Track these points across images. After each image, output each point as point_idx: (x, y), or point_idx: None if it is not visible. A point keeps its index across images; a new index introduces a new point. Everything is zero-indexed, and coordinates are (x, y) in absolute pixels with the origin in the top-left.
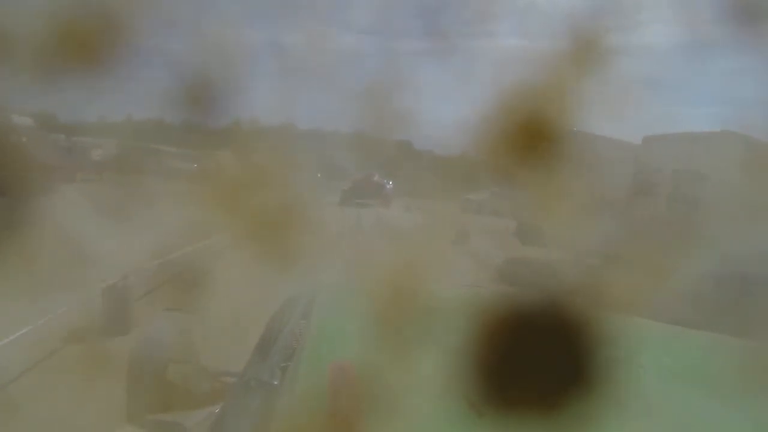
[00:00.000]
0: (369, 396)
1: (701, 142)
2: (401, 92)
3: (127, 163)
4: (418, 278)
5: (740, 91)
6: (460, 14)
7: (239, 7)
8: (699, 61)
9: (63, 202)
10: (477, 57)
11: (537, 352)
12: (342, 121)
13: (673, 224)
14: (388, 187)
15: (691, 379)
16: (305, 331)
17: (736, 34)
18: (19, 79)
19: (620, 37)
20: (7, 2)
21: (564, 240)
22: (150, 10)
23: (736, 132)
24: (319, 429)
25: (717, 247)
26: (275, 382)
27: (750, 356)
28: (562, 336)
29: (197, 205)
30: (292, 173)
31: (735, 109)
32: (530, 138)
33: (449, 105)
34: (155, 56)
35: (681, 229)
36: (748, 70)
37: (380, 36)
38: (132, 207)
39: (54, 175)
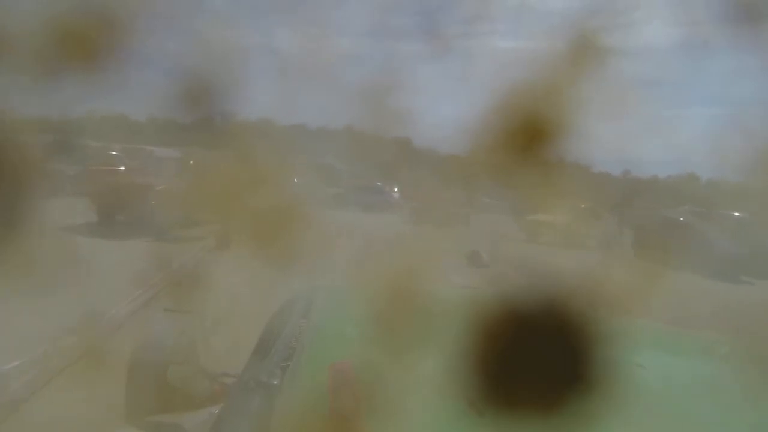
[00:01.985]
0: (369, 396)
1: None
2: (399, 92)
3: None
4: (417, 279)
5: (740, 91)
6: (457, 14)
7: (237, 8)
8: (698, 60)
9: (59, 204)
10: (474, 57)
11: (537, 352)
12: (339, 122)
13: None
14: (393, 194)
15: (690, 380)
16: (305, 332)
17: (736, 33)
18: (14, 78)
19: (618, 37)
20: (4, 1)
21: (562, 240)
22: (147, 10)
23: None
24: (318, 429)
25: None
26: (275, 383)
27: (748, 357)
28: (561, 336)
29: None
30: (286, 174)
31: (734, 109)
32: (528, 138)
33: (447, 105)
34: (152, 56)
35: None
36: (748, 70)
37: (378, 37)
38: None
39: (51, 177)
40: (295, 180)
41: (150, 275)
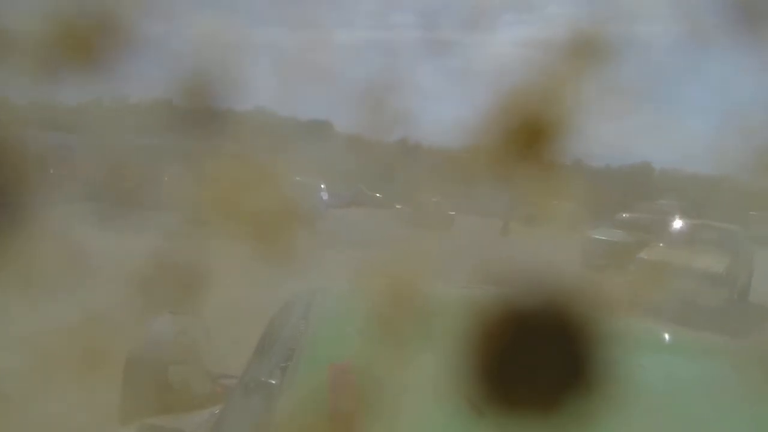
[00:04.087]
0: (369, 396)
1: None
2: (400, 91)
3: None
4: (417, 279)
5: (740, 91)
6: (457, 13)
7: (236, 5)
8: (698, 60)
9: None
10: (474, 56)
11: (537, 352)
12: (339, 120)
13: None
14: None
15: (690, 380)
16: (305, 332)
17: (736, 33)
18: (15, 77)
19: (619, 36)
20: (5, 1)
21: (562, 240)
22: (147, 7)
23: None
24: (318, 429)
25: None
26: (275, 383)
27: (748, 358)
28: (562, 336)
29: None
30: (289, 172)
31: (734, 108)
32: (528, 137)
33: (447, 103)
34: (152, 52)
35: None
36: (748, 70)
37: (378, 35)
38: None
39: (49, 174)
40: (297, 179)
41: (152, 276)
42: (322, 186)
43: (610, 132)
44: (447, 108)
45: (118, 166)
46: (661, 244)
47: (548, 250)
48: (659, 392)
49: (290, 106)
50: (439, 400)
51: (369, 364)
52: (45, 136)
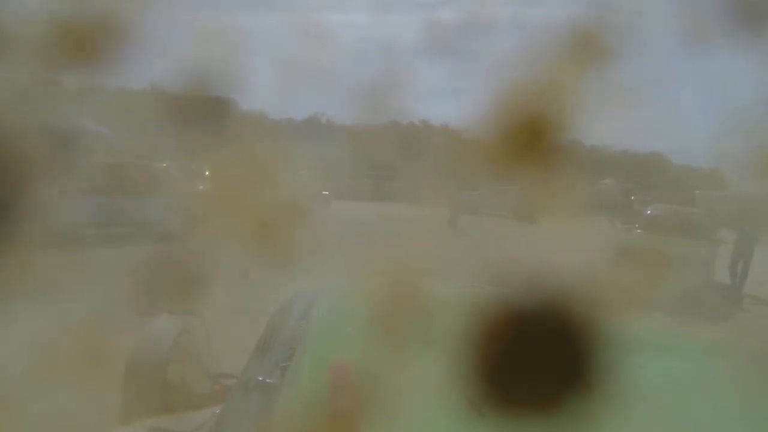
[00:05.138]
0: (369, 396)
1: None
2: (399, 89)
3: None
4: (418, 278)
5: (740, 91)
6: (457, 11)
7: (238, 3)
8: (698, 60)
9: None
10: (475, 54)
11: (538, 352)
12: (339, 117)
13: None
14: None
15: (690, 380)
16: (305, 332)
17: (737, 33)
18: (15, 71)
19: (619, 36)
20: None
21: (563, 240)
22: (147, 6)
23: None
24: (319, 429)
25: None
26: (275, 383)
27: (749, 357)
28: (562, 336)
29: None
30: (290, 171)
31: (734, 108)
32: (528, 137)
33: (447, 103)
34: (152, 51)
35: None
36: (748, 70)
37: (379, 32)
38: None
39: (50, 172)
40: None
41: (152, 276)
42: (322, 184)
43: (610, 130)
44: (446, 105)
45: (119, 164)
46: None
47: (548, 250)
48: (659, 392)
49: (290, 103)
50: (439, 400)
51: (369, 364)
52: (45, 133)
